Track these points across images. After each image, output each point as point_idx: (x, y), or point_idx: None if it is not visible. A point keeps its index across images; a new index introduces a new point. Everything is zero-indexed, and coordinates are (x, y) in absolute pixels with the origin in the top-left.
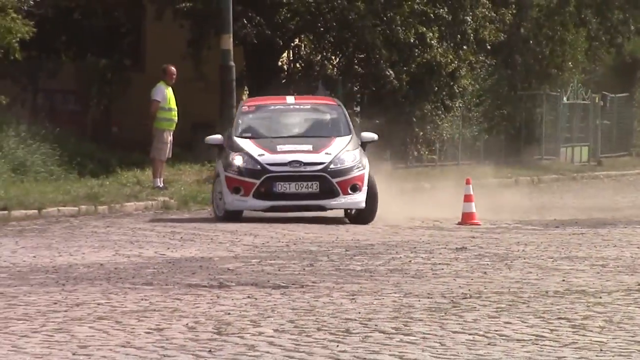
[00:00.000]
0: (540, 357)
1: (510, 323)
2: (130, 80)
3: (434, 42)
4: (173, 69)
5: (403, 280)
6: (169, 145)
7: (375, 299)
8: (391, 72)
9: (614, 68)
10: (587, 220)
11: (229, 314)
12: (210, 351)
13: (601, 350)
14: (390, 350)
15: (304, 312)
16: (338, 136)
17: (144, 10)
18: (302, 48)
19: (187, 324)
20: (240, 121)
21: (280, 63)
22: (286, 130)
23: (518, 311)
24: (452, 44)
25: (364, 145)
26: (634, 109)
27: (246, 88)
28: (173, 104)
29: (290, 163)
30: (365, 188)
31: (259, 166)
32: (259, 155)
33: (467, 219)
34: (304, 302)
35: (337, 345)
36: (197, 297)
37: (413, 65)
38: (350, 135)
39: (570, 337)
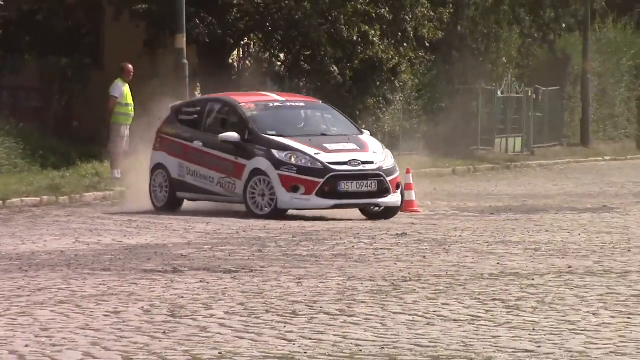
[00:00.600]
0: (476, 336)
1: (447, 304)
2: (90, 77)
3: (376, 39)
4: (130, 66)
5: (347, 264)
6: (125, 138)
7: (321, 282)
8: (335, 68)
9: (545, 63)
10: (521, 207)
11: (182, 297)
12: (164, 332)
13: (534, 329)
14: (334, 331)
15: (253, 295)
16: (359, 135)
17: (103, 12)
18: (252, 46)
19: (142, 307)
20: (253, 118)
21: (230, 60)
22: (309, 128)
23: (455, 293)
24: (393, 42)
25: None
26: (564, 102)
27: (198, 84)
28: (130, 99)
29: (349, 162)
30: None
31: (320, 165)
32: (315, 154)
33: (407, 206)
34: (253, 285)
35: (285, 326)
36: (152, 282)
37: (356, 62)
38: (368, 133)
39: (505, 317)
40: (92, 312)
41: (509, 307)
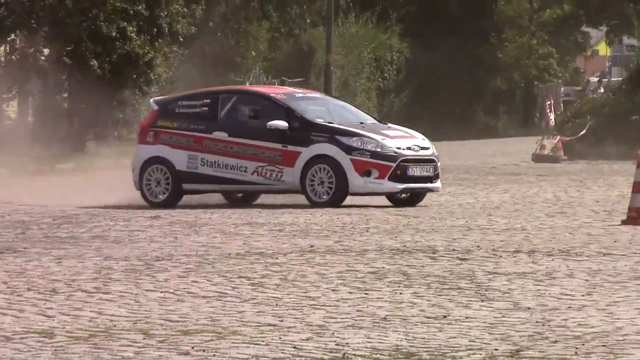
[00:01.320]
0: (223, 311)
1: (197, 282)
2: None
3: (133, 35)
4: None
5: (103, 245)
6: None
7: (79, 262)
8: (95, 62)
9: (291, 56)
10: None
11: None
12: None
13: (277, 305)
14: (91, 307)
15: (15, 274)
16: (387, 123)
17: None
18: (17, 42)
19: None
20: (296, 107)
21: None
22: (344, 117)
23: (204, 271)
24: (149, 37)
25: None
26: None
27: None
28: None
29: (412, 147)
30: None
31: (390, 150)
32: (382, 139)
33: None
34: (16, 265)
35: (45, 303)
36: None
37: (115, 56)
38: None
39: (250, 293)
40: None
41: (254, 284)
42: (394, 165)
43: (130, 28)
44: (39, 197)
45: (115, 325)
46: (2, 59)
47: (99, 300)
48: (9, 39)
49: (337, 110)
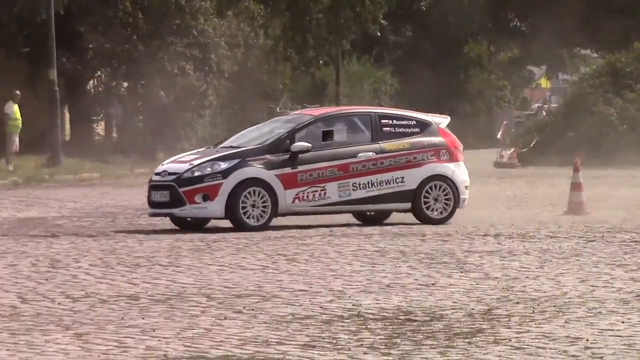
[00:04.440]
0: (265, 280)
1: (245, 258)
2: None
3: (190, 72)
4: (18, 92)
5: (174, 230)
6: (16, 142)
7: (156, 243)
8: (162, 92)
9: (309, 88)
10: None
11: (59, 254)
12: (47, 279)
13: (306, 275)
14: (166, 277)
15: (108, 252)
16: None
17: None
18: (102, 77)
19: (30, 261)
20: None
21: (88, 87)
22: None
23: (250, 250)
24: (202, 73)
25: None
26: None
27: (67, 105)
28: (18, 115)
29: None
30: None
31: None
32: None
33: None
34: (109, 246)
35: (131, 274)
36: (37, 243)
37: (177, 88)
38: None
39: (286, 266)
40: None
41: (289, 260)
42: None
43: (188, 66)
44: (123, 194)
45: (185, 291)
46: (92, 90)
47: (172, 272)
48: (96, 75)
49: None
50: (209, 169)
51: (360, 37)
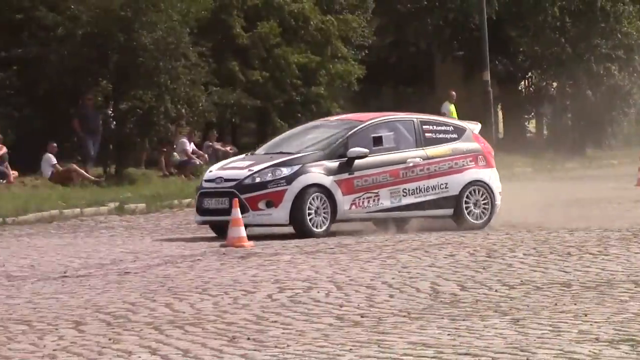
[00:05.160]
0: None
1: None
2: (427, 101)
3: (615, 72)
4: (454, 93)
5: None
6: None
7: (585, 233)
8: (590, 92)
9: None
10: None
11: (494, 244)
12: (484, 268)
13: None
14: (596, 265)
15: (540, 242)
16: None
17: (433, 57)
18: (533, 78)
19: (469, 251)
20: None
21: (519, 88)
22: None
23: None
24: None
25: None
26: None
27: (499, 105)
28: (455, 115)
29: None
30: None
31: None
32: None
33: None
34: (541, 236)
35: (563, 262)
36: (475, 235)
37: (602, 88)
38: None
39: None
40: (435, 255)
41: None
42: None
43: (613, 67)
44: (554, 188)
45: (614, 278)
46: (524, 90)
47: (602, 260)
48: (527, 76)
49: None
50: (270, 175)
51: None
